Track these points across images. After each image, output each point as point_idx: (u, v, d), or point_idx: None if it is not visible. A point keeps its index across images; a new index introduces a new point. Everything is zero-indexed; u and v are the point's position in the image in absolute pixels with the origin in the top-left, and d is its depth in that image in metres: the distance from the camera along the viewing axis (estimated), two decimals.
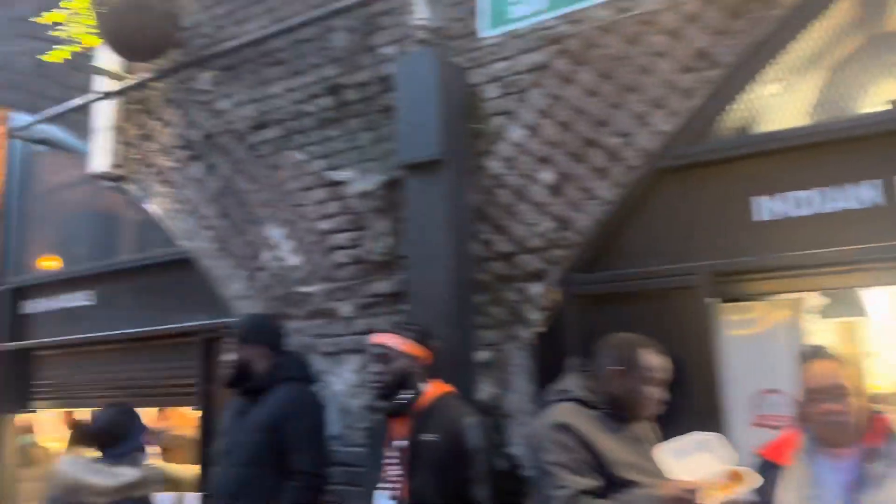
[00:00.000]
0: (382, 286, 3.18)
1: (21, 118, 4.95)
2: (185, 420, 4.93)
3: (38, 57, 3.99)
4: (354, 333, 3.23)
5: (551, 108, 2.80)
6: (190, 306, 3.89)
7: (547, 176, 2.77)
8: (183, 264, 3.93)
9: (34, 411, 4.86)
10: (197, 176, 3.89)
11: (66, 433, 6.06)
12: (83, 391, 4.56)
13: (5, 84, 5.08)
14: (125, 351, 4.30)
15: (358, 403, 3.15)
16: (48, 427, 5.93)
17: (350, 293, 3.27)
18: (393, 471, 2.43)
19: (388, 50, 3.27)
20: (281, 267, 3.51)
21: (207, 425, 3.77)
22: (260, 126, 3.67)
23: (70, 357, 4.64)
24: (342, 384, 3.21)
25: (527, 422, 2.68)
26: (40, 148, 4.90)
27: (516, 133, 2.88)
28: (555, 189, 2.75)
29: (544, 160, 2.78)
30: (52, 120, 4.62)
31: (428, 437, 2.36)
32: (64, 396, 4.75)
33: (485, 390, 2.81)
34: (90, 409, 5.35)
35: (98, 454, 2.50)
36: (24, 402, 4.82)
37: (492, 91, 2.96)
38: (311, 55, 3.52)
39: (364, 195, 3.28)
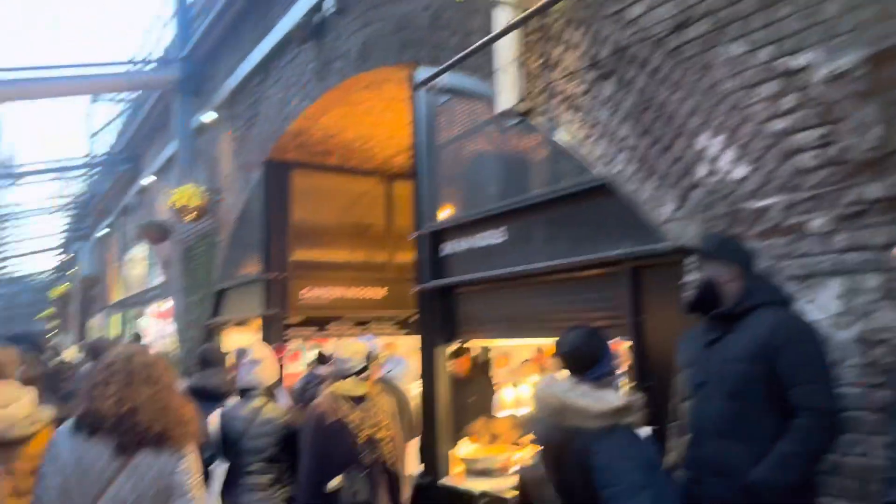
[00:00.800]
0: (872, 190, 2.53)
1: (423, 73, 5.27)
2: None
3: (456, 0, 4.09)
4: (834, 252, 2.64)
5: None
6: (611, 235, 3.70)
7: None
8: (600, 192, 3.74)
9: (460, 344, 5.26)
10: (609, 96, 3.63)
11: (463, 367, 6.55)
12: (502, 325, 4.76)
13: (406, 42, 5.48)
14: (542, 284, 4.32)
15: (846, 335, 2.58)
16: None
17: (822, 203, 2.68)
18: None
19: None
20: (721, 181, 3.06)
21: (640, 358, 3.56)
22: (682, 25, 3.23)
23: (487, 293, 4.87)
24: (821, 313, 2.66)
25: None
26: (444, 98, 5.17)
27: None
28: None
29: None
30: (453, 68, 4.81)
31: None
32: (484, 330, 5.03)
33: None
34: (509, 341, 5.65)
35: (573, 377, 2.40)
36: (449, 335, 5.23)
37: None
38: None
39: (836, 79, 2.63)
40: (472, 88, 4.81)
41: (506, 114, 4.26)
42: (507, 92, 4.19)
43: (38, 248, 21.29)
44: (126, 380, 2.59)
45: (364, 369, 3.68)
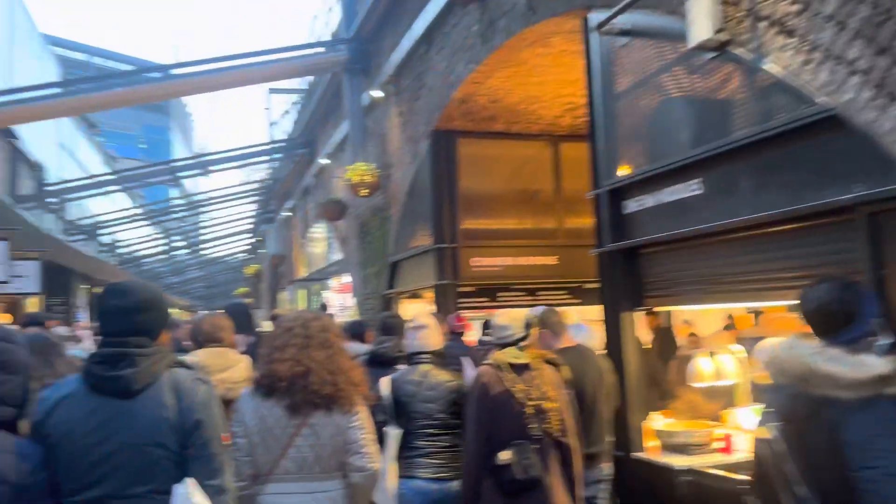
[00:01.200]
0: None
1: (598, 17, 4.88)
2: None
3: None
4: None
5: None
6: (839, 176, 3.14)
7: None
8: (822, 126, 3.18)
9: (648, 309, 4.87)
10: (831, 12, 3.06)
11: (649, 335, 6.11)
12: (697, 288, 4.31)
13: None
14: (747, 240, 3.82)
15: None
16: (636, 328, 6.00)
17: None
18: None
19: None
20: None
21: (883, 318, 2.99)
22: None
23: (678, 252, 4.43)
24: None
25: None
26: (622, 41, 4.75)
27: None
28: None
29: None
30: (632, 6, 4.38)
31: None
32: (675, 294, 4.60)
33: None
34: (707, 306, 5.15)
35: (820, 339, 2.00)
36: (636, 300, 4.85)
37: None
38: None
39: None
40: (655, 26, 4.35)
41: (700, 48, 3.78)
42: (701, 23, 3.71)
43: (230, 231, 23.32)
44: (303, 343, 2.68)
45: (524, 338, 3.47)
